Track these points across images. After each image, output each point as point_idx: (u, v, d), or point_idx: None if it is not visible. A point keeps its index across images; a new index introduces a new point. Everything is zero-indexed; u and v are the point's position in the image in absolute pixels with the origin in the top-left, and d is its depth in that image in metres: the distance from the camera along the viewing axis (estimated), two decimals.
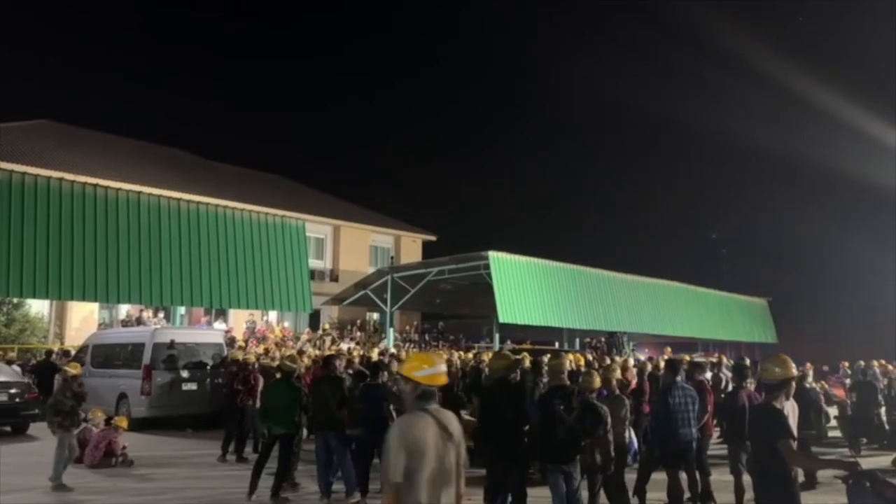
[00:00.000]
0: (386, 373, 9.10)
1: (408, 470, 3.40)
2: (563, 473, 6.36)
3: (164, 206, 17.41)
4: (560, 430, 6.34)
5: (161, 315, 22.42)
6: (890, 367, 17.62)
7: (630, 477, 7.78)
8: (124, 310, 22.94)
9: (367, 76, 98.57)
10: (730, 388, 10.90)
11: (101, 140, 28.97)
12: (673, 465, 7.52)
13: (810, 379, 11.86)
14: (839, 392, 18.02)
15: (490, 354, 13.05)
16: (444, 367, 3.78)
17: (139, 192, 17.51)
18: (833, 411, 15.61)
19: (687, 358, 12.70)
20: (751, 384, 8.84)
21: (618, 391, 8.12)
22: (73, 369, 9.69)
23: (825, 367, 26.81)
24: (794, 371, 4.76)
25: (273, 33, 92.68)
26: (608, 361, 13.06)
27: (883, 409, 14.01)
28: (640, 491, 7.96)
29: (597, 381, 7.14)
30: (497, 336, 25.09)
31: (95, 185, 16.54)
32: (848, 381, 19.60)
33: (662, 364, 10.94)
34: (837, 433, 14.58)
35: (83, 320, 22.66)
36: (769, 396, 4.76)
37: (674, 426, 7.42)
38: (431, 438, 3.48)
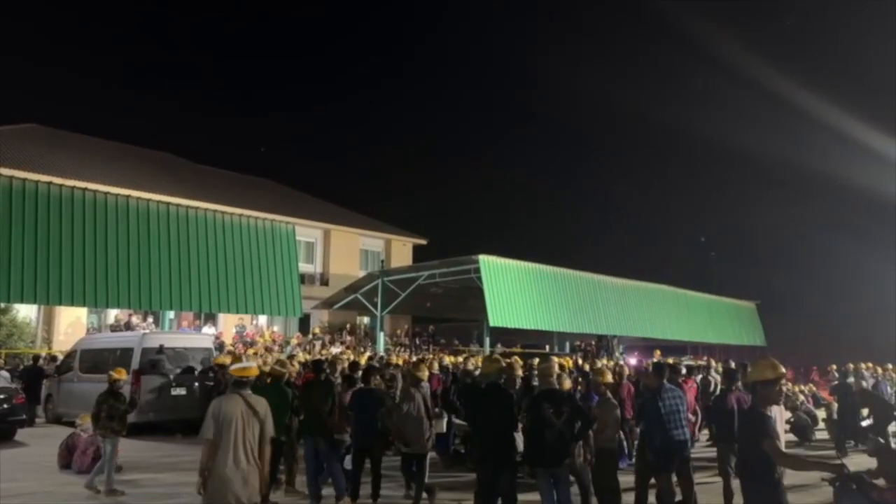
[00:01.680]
0: (378, 377, 9.07)
1: (218, 432, 4.92)
2: (553, 477, 6.36)
3: (154, 209, 17.31)
4: (549, 434, 6.34)
5: (150, 320, 22.31)
6: (880, 369, 17.74)
7: (622, 480, 7.76)
8: (113, 314, 22.84)
9: (355, 78, 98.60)
10: (719, 391, 10.94)
11: (90, 144, 28.88)
12: (666, 469, 7.49)
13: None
14: (828, 395, 18.13)
15: (479, 359, 13.05)
16: (252, 364, 5.54)
17: (128, 196, 17.42)
18: (821, 413, 15.74)
19: (670, 361, 12.76)
20: (739, 387, 8.87)
21: (608, 395, 8.13)
22: (119, 374, 9.71)
23: (815, 369, 26.97)
24: (782, 370, 4.78)
25: (259, 34, 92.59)
26: (598, 365, 13.10)
27: (864, 410, 14.09)
28: (643, 501, 7.66)
29: (567, 383, 7.16)
30: (487, 340, 25.09)
31: (84, 189, 16.43)
32: (836, 383, 19.72)
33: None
34: (825, 435, 14.69)
35: (71, 325, 22.52)
36: (757, 400, 4.79)
37: (667, 428, 7.41)
38: (239, 413, 5.04)
